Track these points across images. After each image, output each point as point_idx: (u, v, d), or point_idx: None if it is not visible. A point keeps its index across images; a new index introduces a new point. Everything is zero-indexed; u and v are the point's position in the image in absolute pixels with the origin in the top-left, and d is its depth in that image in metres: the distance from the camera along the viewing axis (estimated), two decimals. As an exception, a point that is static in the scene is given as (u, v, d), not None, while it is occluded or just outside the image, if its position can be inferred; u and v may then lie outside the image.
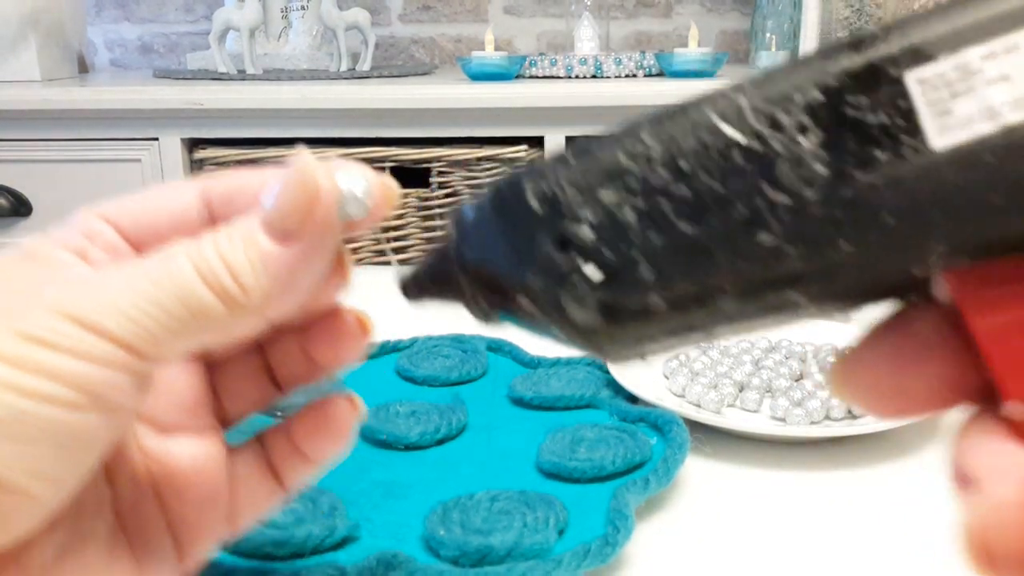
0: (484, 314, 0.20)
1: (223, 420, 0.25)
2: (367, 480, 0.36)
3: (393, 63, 1.76)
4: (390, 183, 0.22)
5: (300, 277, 0.20)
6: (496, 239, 0.18)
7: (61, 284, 0.20)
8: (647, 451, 0.36)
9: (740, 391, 0.44)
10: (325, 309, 0.25)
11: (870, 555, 0.32)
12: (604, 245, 0.17)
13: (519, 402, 0.43)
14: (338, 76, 1.42)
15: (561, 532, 0.31)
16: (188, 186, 0.23)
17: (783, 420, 0.41)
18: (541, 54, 1.46)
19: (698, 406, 0.43)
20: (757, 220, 0.16)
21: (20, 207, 1.28)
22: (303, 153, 0.21)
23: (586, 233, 0.17)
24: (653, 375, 0.46)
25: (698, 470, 0.38)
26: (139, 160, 1.28)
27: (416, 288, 0.22)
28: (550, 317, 0.18)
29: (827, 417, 0.42)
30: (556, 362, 0.47)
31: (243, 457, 0.25)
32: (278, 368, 0.25)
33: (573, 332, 0.18)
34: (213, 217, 0.23)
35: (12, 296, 0.20)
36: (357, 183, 0.21)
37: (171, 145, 1.28)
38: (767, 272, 0.16)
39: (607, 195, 0.17)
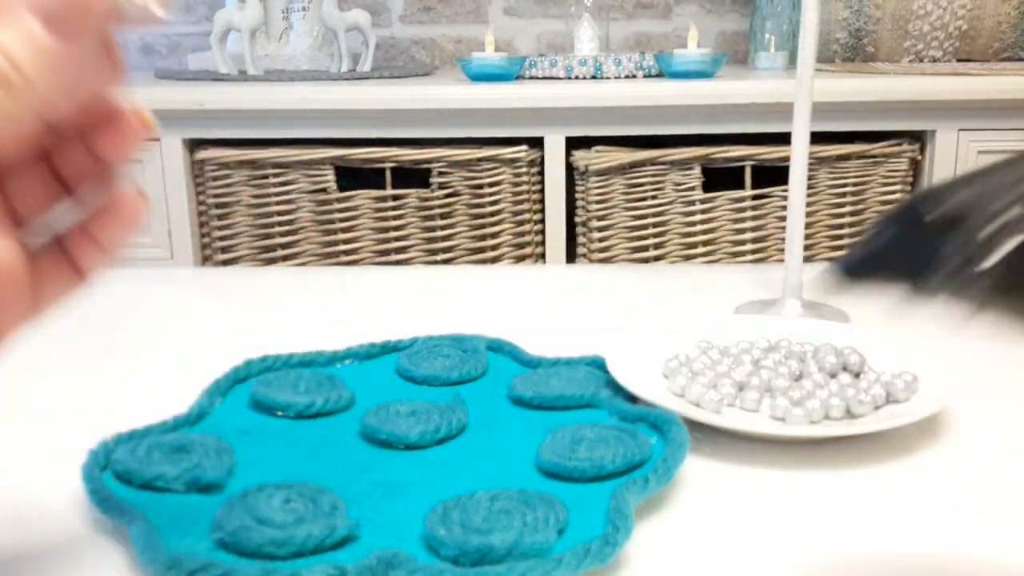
0: (925, 292, 0.25)
1: (17, 222, 0.26)
2: (367, 480, 0.36)
3: (393, 64, 1.76)
4: None
5: (74, 68, 0.22)
6: (916, 246, 0.24)
7: None
8: (647, 451, 0.36)
9: (739, 391, 0.44)
10: (104, 109, 0.26)
11: (870, 555, 0.32)
12: (1002, 240, 0.22)
13: (519, 402, 0.43)
14: (339, 77, 1.43)
15: (561, 532, 0.31)
16: None
17: (782, 420, 0.41)
18: (541, 55, 1.46)
19: (697, 405, 0.43)
20: None
21: (20, 208, 1.28)
22: None
23: (984, 236, 0.22)
24: (653, 375, 0.46)
25: (697, 469, 0.38)
26: (140, 161, 1.28)
27: (853, 274, 0.26)
28: (968, 299, 0.24)
29: (826, 417, 0.42)
30: (556, 362, 0.47)
31: (43, 253, 0.27)
32: (65, 170, 0.27)
33: (984, 305, 0.24)
34: None
35: None
36: None
37: (172, 146, 1.28)
38: None
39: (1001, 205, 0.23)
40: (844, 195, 1.32)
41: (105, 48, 0.23)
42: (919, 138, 1.33)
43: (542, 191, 1.32)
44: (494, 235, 1.32)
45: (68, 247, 0.27)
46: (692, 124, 1.28)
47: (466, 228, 1.32)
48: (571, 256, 1.35)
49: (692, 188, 1.29)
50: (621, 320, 0.58)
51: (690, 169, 1.29)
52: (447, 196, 1.30)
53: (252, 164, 1.30)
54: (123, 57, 0.25)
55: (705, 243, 1.32)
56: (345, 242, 1.32)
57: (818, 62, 1.49)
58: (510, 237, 1.33)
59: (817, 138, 1.26)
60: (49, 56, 0.21)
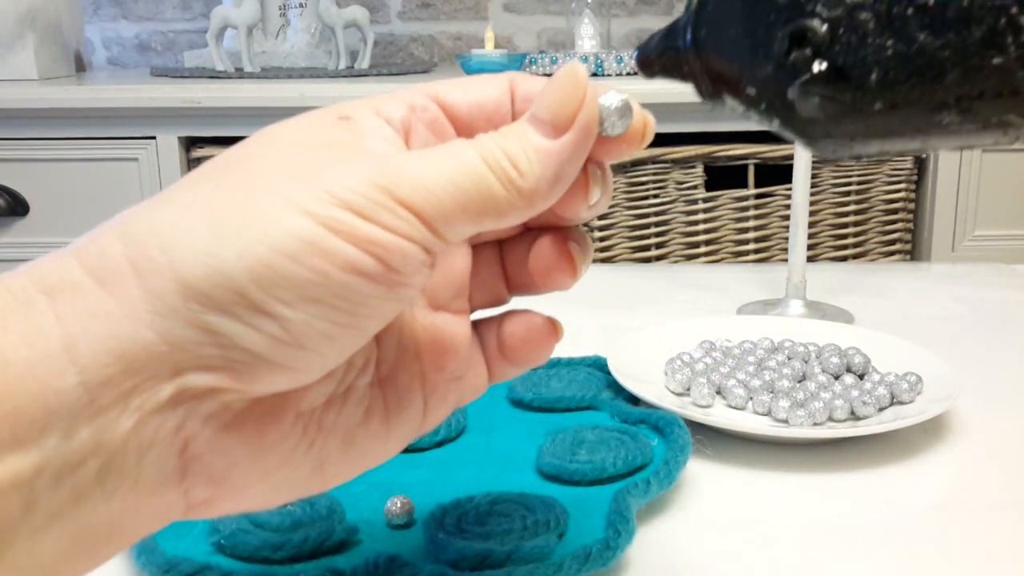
0: (709, 95, 0.21)
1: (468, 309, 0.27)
2: (365, 482, 0.35)
3: (392, 61, 1.76)
4: (649, 117, 0.24)
5: (565, 169, 0.22)
6: (732, 24, 0.20)
7: (375, 156, 0.21)
8: (648, 453, 0.36)
9: (743, 392, 0.43)
10: (560, 224, 0.26)
11: (873, 557, 0.32)
12: (838, 44, 0.18)
13: (519, 403, 0.42)
14: (336, 74, 1.42)
15: (561, 535, 0.31)
16: (500, 79, 0.26)
17: (786, 421, 0.41)
18: (541, 52, 1.46)
19: (699, 407, 0.42)
20: (996, 41, 0.16)
21: (17, 206, 1.28)
22: (575, 62, 0.23)
23: (822, 30, 0.18)
24: (654, 375, 0.45)
25: (699, 472, 0.37)
26: (136, 159, 1.28)
27: (650, 65, 0.24)
28: (772, 106, 0.19)
29: (830, 418, 0.41)
30: (556, 363, 0.47)
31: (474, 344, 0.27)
32: (510, 269, 0.27)
33: (791, 123, 0.19)
34: (514, 115, 0.25)
35: (321, 153, 0.21)
36: (617, 100, 0.23)
37: (168, 144, 1.28)
38: (993, 91, 0.16)
39: None
40: (848, 194, 1.32)
41: (587, 150, 0.23)
42: (921, 136, 1.32)
43: (542, 189, 1.31)
44: (494, 233, 1.32)
45: (484, 346, 0.27)
46: (694, 122, 1.28)
47: (466, 226, 1.32)
48: (571, 254, 1.35)
49: (694, 187, 1.29)
50: (622, 320, 0.58)
51: (692, 168, 1.28)
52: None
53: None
54: (596, 180, 0.25)
55: (707, 242, 1.31)
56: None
57: (819, 60, 1.48)
58: (510, 235, 1.32)
59: (818, 136, 1.25)
60: (543, 155, 0.22)
